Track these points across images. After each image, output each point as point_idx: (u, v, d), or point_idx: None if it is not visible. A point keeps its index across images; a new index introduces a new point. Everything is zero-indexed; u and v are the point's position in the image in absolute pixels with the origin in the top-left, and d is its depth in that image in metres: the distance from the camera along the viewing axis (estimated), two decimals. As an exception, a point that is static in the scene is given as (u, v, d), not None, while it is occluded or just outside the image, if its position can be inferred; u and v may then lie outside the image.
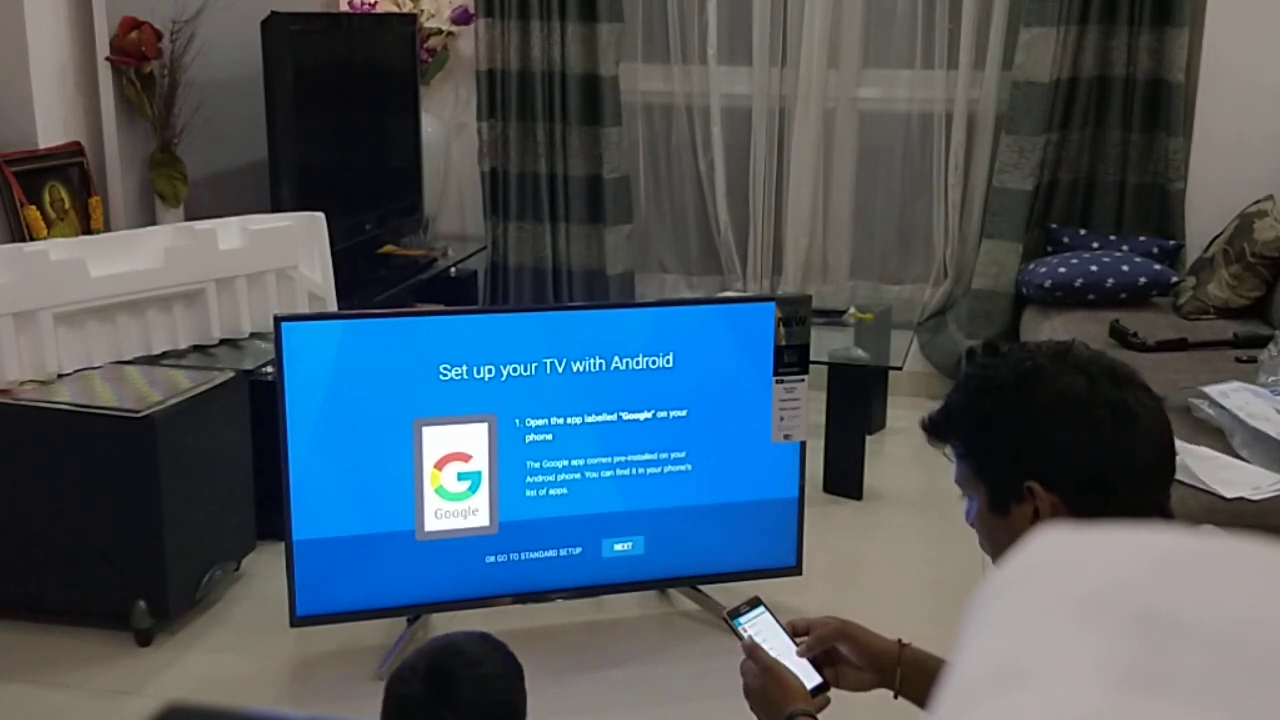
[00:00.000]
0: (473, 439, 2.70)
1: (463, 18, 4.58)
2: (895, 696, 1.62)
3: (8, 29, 3.36)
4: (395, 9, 4.57)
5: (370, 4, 4.58)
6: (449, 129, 4.79)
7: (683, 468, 2.83)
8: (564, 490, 2.77)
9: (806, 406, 2.90)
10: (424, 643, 1.77)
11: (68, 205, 3.49)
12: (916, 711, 1.59)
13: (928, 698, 1.52)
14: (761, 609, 1.70)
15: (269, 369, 3.02)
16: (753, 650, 1.61)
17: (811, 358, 2.94)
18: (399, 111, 4.36)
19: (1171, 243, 4.13)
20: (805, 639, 1.65)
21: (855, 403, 3.73)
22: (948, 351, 4.38)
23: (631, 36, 4.56)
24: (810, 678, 1.59)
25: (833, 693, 1.62)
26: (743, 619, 1.69)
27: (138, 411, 2.76)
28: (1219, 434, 2.83)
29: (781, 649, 1.62)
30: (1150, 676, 0.38)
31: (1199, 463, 2.64)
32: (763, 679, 1.58)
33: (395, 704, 1.69)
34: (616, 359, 2.74)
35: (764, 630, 1.66)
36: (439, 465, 2.69)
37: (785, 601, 2.91)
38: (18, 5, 3.34)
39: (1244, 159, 4.06)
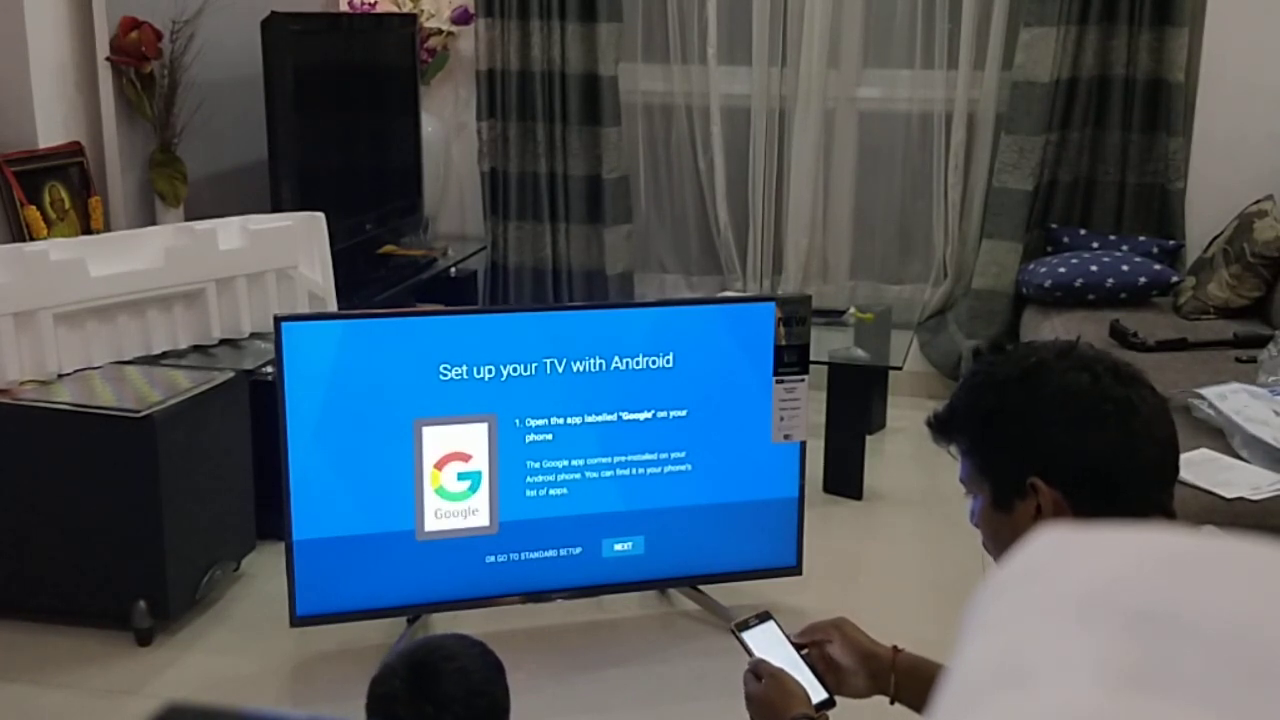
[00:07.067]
0: (473, 439, 2.70)
1: (463, 18, 4.58)
2: (891, 702, 1.62)
3: (8, 29, 3.36)
4: (395, 9, 4.56)
5: (370, 4, 4.58)
6: (449, 129, 4.79)
7: (683, 468, 2.83)
8: (564, 490, 2.77)
9: (806, 406, 2.90)
10: (402, 645, 1.78)
11: (68, 205, 3.49)
12: (915, 716, 1.59)
13: (924, 703, 1.52)
14: (770, 623, 1.70)
15: (269, 369, 3.02)
16: (758, 664, 1.61)
17: (811, 358, 2.94)
18: (399, 111, 4.36)
19: (1171, 243, 4.13)
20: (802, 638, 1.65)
21: (855, 403, 3.73)
22: (948, 351, 4.38)
23: (631, 36, 4.56)
24: (816, 692, 1.59)
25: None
26: (750, 632, 1.68)
27: (138, 411, 2.76)
28: (1219, 434, 2.83)
29: (788, 662, 1.62)
30: (1151, 677, 0.38)
31: (1199, 468, 2.64)
32: (764, 685, 1.58)
33: (378, 703, 1.69)
34: (616, 359, 2.74)
35: (771, 643, 1.66)
36: (439, 465, 2.69)
37: (785, 601, 2.92)
38: (18, 5, 3.34)
39: (1244, 159, 4.06)
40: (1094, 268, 3.95)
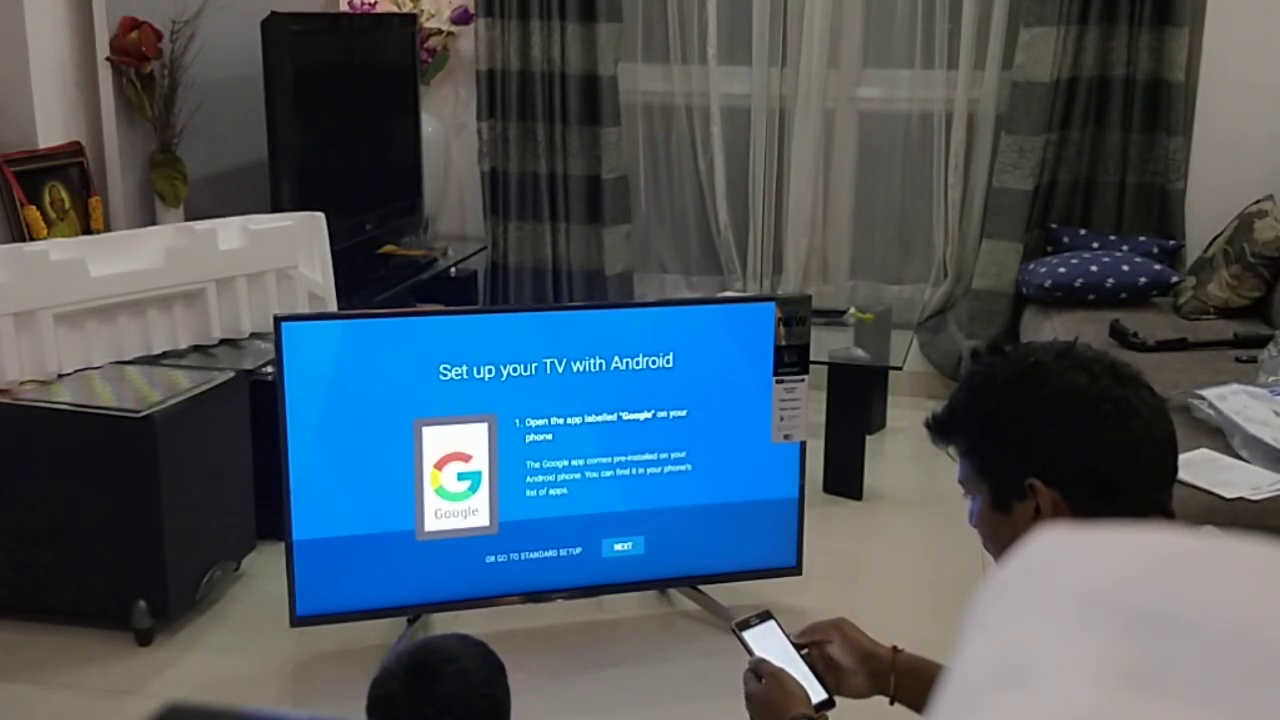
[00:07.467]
0: (473, 439, 2.70)
1: (463, 18, 4.58)
2: (891, 703, 1.62)
3: (8, 29, 3.36)
4: (395, 9, 4.56)
5: (370, 4, 4.58)
6: (449, 129, 4.79)
7: (683, 468, 2.83)
8: (564, 490, 2.77)
9: (806, 406, 2.90)
10: (402, 646, 1.78)
11: (68, 205, 3.49)
12: (915, 716, 1.59)
13: (924, 703, 1.52)
14: (771, 622, 1.70)
15: (269, 369, 3.02)
16: (758, 663, 1.61)
17: (811, 358, 2.94)
18: (399, 111, 4.36)
19: (1171, 243, 4.13)
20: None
21: (855, 403, 3.72)
22: (948, 351, 4.38)
23: (631, 36, 4.56)
24: (816, 692, 1.59)
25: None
26: (750, 631, 1.69)
27: (138, 411, 2.76)
28: (1219, 434, 2.83)
29: (788, 662, 1.62)
30: (1151, 676, 0.38)
31: (1199, 468, 2.64)
32: (765, 685, 1.58)
33: (378, 705, 1.70)
34: (616, 359, 2.74)
35: (772, 642, 1.66)
36: (439, 465, 2.69)
37: (785, 601, 2.92)
38: (18, 5, 3.34)
39: (1244, 159, 4.06)
40: (1094, 268, 3.95)
